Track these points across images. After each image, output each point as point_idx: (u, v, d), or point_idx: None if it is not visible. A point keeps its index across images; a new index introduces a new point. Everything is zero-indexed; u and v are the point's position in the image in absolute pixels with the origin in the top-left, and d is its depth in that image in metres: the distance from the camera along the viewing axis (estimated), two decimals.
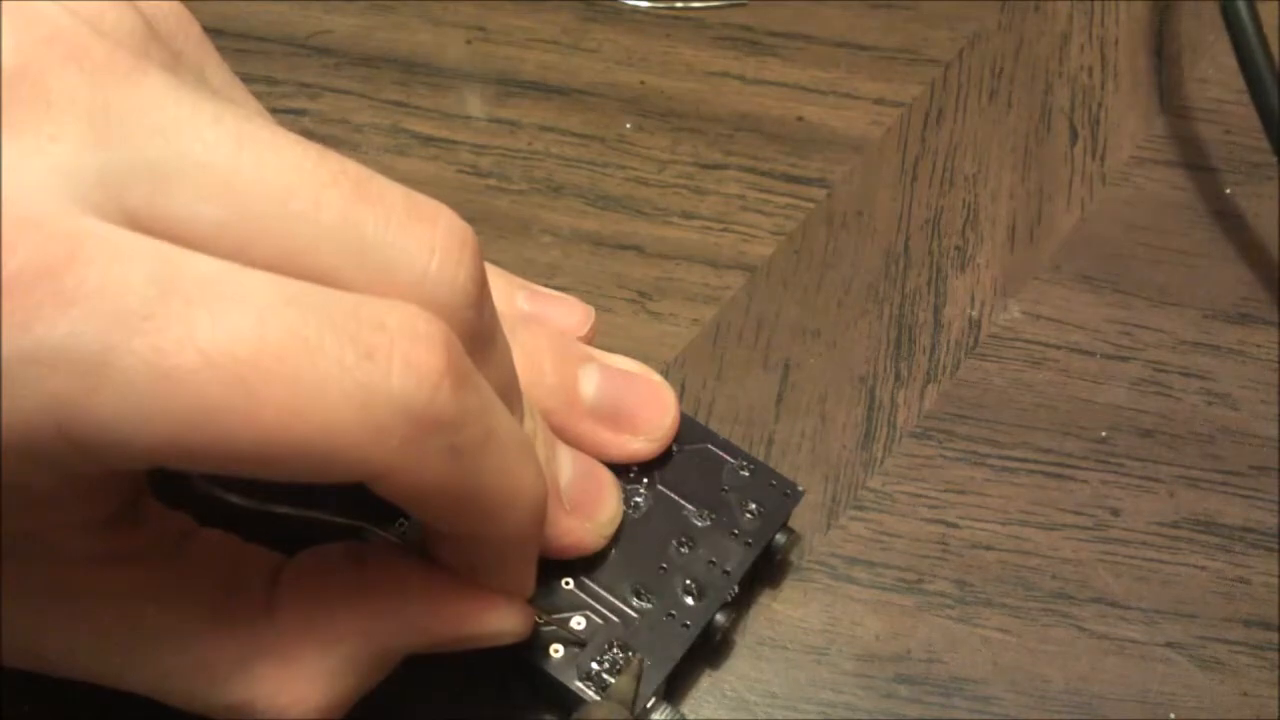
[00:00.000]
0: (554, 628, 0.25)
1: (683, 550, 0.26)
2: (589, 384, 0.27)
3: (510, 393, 0.22)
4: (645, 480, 0.27)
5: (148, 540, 0.22)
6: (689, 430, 0.28)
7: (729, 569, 0.26)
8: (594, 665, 0.25)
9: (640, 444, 0.27)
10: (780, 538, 0.27)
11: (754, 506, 0.27)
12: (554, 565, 0.26)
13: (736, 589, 0.26)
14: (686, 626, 0.26)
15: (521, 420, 0.23)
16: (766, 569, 0.28)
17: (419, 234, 0.19)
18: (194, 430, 0.17)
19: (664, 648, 0.25)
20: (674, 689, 0.27)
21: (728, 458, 0.28)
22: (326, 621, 0.22)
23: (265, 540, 0.23)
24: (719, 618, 0.26)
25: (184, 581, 0.22)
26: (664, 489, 0.27)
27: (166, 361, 0.17)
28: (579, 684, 0.25)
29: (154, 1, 0.21)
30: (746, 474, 0.28)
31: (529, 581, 0.23)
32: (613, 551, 0.26)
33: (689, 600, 0.26)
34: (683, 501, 0.27)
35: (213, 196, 0.18)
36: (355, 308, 0.18)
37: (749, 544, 0.27)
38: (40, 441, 0.17)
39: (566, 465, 0.26)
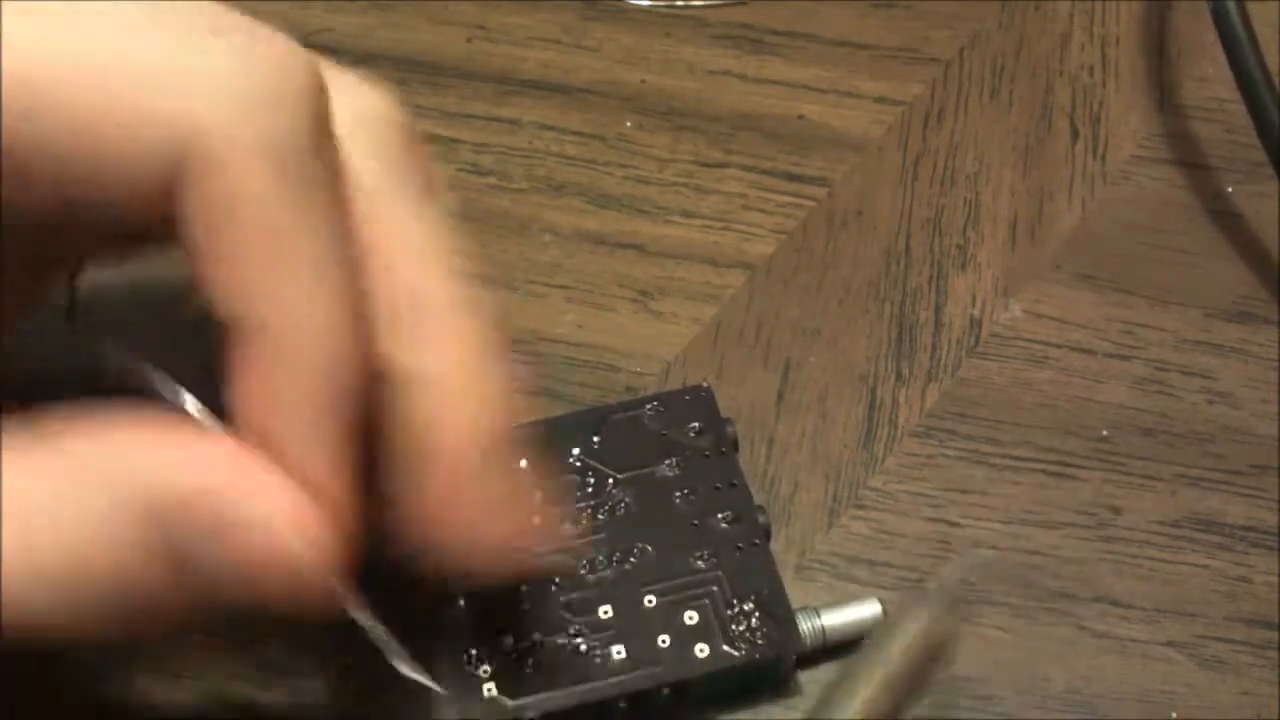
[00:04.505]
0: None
1: (691, 498, 0.27)
2: None
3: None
4: (610, 482, 0.27)
5: None
6: (582, 422, 0.28)
7: (734, 481, 0.27)
8: (733, 628, 0.25)
9: None
10: (730, 428, 0.28)
11: (693, 425, 0.28)
12: (625, 595, 0.26)
13: (753, 491, 0.27)
14: (757, 544, 0.26)
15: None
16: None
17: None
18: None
19: (763, 573, 0.26)
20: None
21: (635, 410, 0.28)
22: (73, 433, 0.18)
23: None
24: (763, 519, 0.27)
25: None
26: (623, 475, 0.27)
27: None
28: (728, 648, 0.25)
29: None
30: (661, 408, 0.28)
31: (337, 476, 0.18)
32: (650, 549, 0.26)
33: (736, 526, 0.26)
34: (645, 470, 0.27)
35: None
36: None
37: (723, 451, 0.27)
38: None
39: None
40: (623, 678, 0.25)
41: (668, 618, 0.25)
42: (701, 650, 0.25)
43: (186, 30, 0.18)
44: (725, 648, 0.25)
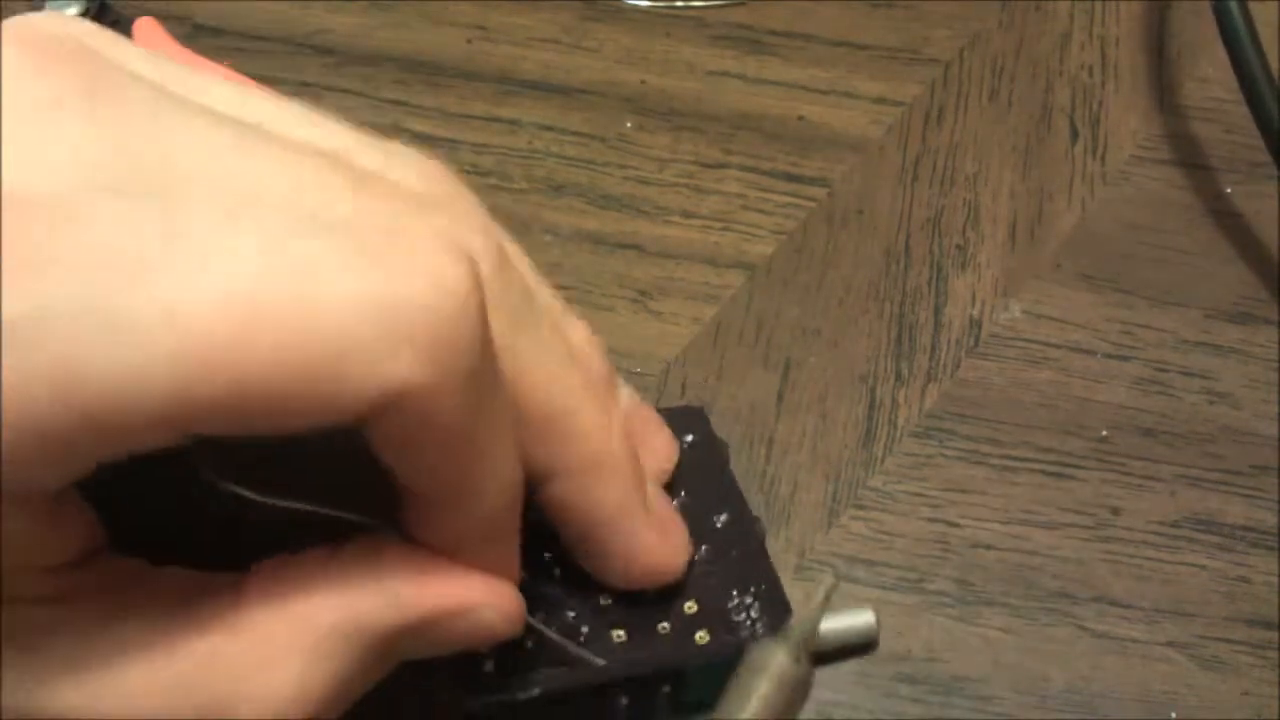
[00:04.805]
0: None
1: (687, 501, 0.27)
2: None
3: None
4: None
5: (99, 579, 0.21)
6: None
7: (730, 490, 0.27)
8: (733, 618, 0.25)
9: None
10: (725, 449, 0.28)
11: (687, 439, 0.28)
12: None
13: (751, 494, 0.27)
14: (755, 546, 0.26)
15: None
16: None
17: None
18: (201, 371, 0.17)
19: (758, 562, 0.26)
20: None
21: None
22: (295, 596, 0.20)
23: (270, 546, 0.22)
24: (760, 525, 0.27)
25: (140, 602, 0.20)
26: None
27: (162, 308, 0.17)
28: (728, 636, 0.25)
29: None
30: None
31: (513, 563, 0.22)
32: None
33: (733, 529, 0.26)
34: None
35: None
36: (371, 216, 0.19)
37: (717, 468, 0.27)
38: (45, 415, 0.16)
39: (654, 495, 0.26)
40: (623, 661, 0.25)
41: (668, 606, 0.25)
42: (702, 637, 0.25)
43: (372, 265, 0.18)
44: (725, 636, 0.25)
